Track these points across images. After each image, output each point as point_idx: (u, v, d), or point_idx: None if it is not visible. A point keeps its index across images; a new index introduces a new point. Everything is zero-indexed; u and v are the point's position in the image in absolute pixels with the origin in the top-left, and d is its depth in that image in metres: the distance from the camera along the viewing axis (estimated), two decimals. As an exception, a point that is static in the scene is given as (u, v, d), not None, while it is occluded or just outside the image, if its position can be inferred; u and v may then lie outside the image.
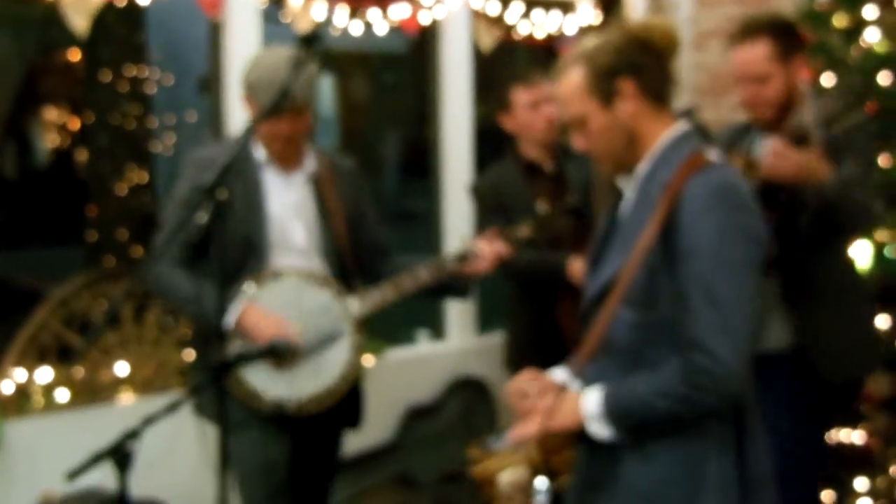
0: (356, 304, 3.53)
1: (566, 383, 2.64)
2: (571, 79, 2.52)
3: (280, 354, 3.29)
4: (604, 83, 2.49)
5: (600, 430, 2.48)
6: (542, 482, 2.43)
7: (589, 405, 2.48)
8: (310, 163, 3.59)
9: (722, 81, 6.17)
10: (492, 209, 4.32)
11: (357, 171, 3.79)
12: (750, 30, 3.57)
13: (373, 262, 3.73)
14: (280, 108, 3.24)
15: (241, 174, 3.48)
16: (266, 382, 3.44)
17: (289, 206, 3.54)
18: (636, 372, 2.46)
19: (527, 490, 2.37)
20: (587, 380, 2.58)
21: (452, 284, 3.69)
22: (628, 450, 2.50)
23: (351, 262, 3.62)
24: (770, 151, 3.35)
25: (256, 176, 3.52)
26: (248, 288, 3.41)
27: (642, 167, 2.54)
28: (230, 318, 3.34)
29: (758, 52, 3.54)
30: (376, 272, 3.69)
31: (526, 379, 2.67)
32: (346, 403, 3.64)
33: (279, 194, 3.53)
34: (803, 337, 3.59)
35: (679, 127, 2.56)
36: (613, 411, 2.46)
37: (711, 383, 2.36)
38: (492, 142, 5.76)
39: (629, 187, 2.61)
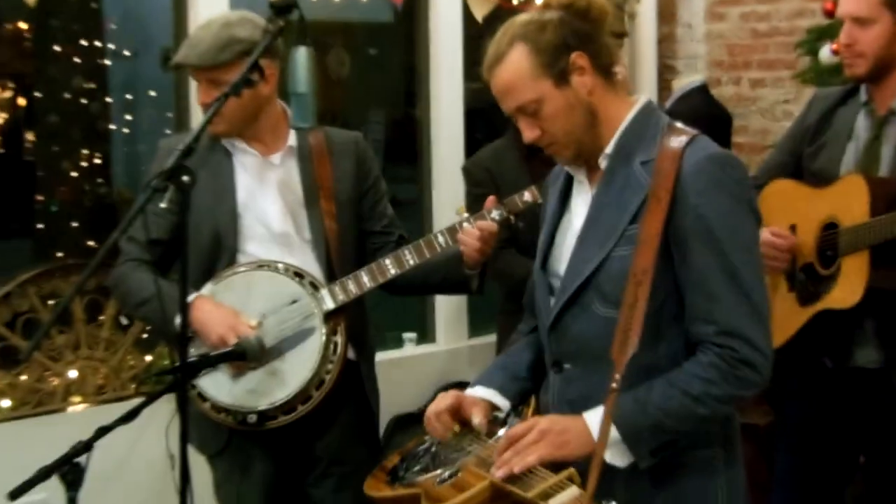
0: (328, 296, 3.41)
1: (491, 400, 2.69)
2: (513, 64, 2.48)
3: (241, 356, 3.21)
4: (555, 60, 2.47)
5: (617, 457, 2.40)
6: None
7: (600, 430, 2.38)
8: (291, 139, 3.54)
9: (743, 55, 6.15)
10: (485, 193, 4.25)
11: (363, 145, 3.71)
12: None
13: (383, 245, 3.64)
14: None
15: (207, 162, 3.46)
16: (223, 391, 3.35)
17: (266, 190, 3.50)
18: (633, 376, 2.38)
19: None
20: (567, 391, 2.58)
21: (452, 275, 3.53)
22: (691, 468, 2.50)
23: (342, 247, 3.53)
24: None
25: (225, 163, 3.50)
26: (206, 287, 3.37)
27: (609, 148, 2.54)
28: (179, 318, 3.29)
29: None
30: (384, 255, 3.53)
31: (448, 402, 2.65)
32: (351, 426, 3.56)
33: (254, 179, 3.50)
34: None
35: (641, 99, 2.59)
36: (635, 433, 2.39)
37: (755, 374, 2.40)
38: (484, 121, 5.72)
39: (584, 171, 2.61)
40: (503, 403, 2.71)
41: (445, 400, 2.67)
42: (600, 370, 2.46)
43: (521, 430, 2.43)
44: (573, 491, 2.27)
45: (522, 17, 2.54)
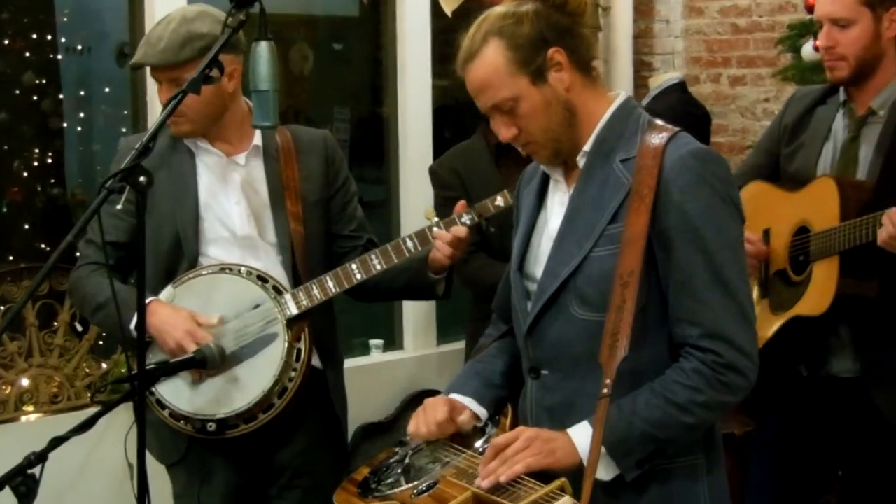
0: (292, 301, 3.41)
1: (472, 407, 2.67)
2: (488, 60, 2.48)
3: (201, 364, 3.21)
4: (532, 56, 2.47)
5: (603, 471, 2.40)
6: None
7: (586, 445, 2.37)
8: (256, 138, 3.53)
9: (722, 51, 6.19)
10: (454, 196, 4.19)
11: (332, 143, 3.70)
12: None
13: (351, 249, 3.63)
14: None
15: (169, 162, 3.47)
16: (182, 398, 3.35)
17: (229, 191, 3.50)
18: (616, 380, 2.38)
19: None
20: (545, 398, 2.58)
21: (416, 281, 3.54)
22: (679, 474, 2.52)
23: (309, 250, 3.53)
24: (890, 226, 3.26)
25: (187, 163, 3.49)
26: (165, 291, 3.37)
27: (587, 145, 2.54)
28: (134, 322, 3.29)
29: None
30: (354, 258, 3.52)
31: (445, 412, 2.63)
32: (320, 441, 3.58)
33: (217, 179, 3.50)
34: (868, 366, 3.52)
35: (620, 95, 2.59)
36: (621, 446, 2.40)
37: (741, 378, 2.42)
38: (453, 120, 5.73)
39: (561, 170, 2.62)
40: (480, 412, 2.70)
41: (440, 411, 2.64)
42: (579, 376, 2.48)
43: (506, 438, 2.44)
44: (566, 501, 2.28)
45: (498, 10, 2.53)
